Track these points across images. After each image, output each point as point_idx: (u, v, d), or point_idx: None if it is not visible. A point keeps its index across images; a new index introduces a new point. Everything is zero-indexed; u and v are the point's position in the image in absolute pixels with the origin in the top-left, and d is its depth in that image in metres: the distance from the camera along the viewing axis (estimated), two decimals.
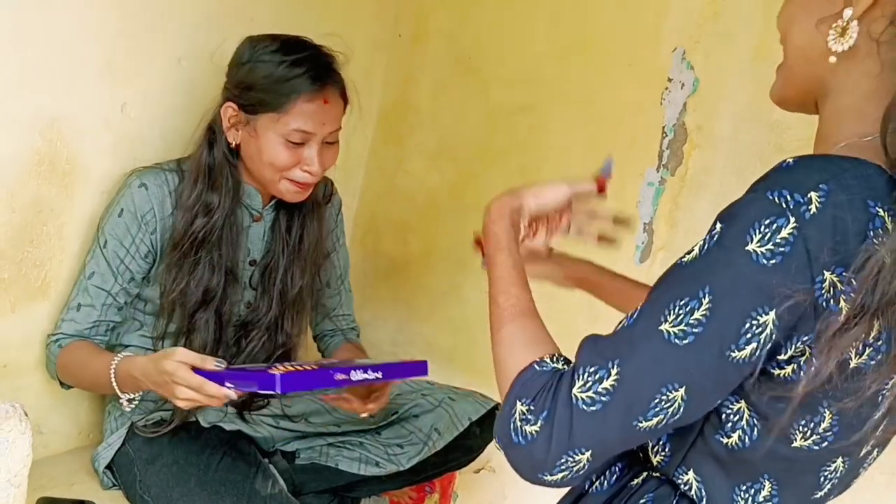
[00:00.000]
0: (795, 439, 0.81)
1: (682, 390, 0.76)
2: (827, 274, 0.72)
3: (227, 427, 1.51)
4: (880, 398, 0.79)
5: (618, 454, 0.87)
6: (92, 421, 1.70)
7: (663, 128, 1.96)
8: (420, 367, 1.50)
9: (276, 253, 1.64)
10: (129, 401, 1.42)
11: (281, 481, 1.44)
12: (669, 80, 1.95)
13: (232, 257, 1.56)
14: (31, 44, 1.41)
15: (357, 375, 1.34)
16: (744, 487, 0.86)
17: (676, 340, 0.76)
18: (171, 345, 1.53)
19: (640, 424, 0.78)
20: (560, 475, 0.80)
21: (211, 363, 1.27)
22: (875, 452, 0.93)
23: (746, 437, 0.82)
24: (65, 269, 1.57)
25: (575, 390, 0.79)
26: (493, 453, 2.19)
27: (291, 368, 1.30)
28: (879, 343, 0.74)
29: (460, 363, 2.27)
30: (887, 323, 0.72)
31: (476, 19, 2.21)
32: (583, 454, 0.79)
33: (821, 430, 0.80)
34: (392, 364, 1.47)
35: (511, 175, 2.17)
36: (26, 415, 1.11)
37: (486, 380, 2.18)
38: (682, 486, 0.89)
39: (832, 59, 0.80)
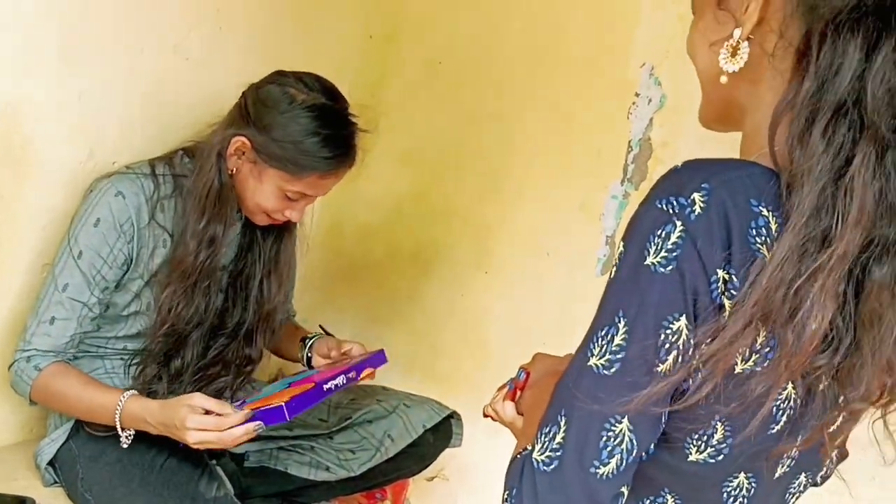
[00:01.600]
0: (691, 453, 0.80)
1: (625, 421, 0.75)
2: (720, 272, 0.71)
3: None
4: (774, 410, 0.77)
5: None
6: (36, 415, 1.66)
7: (629, 142, 1.97)
8: (380, 357, 1.61)
9: (251, 261, 1.62)
10: (127, 437, 1.40)
11: (228, 484, 1.41)
12: (637, 94, 1.95)
13: (219, 268, 1.55)
14: None
15: (340, 381, 1.44)
16: (647, 501, 0.85)
17: (605, 371, 0.75)
18: (154, 363, 1.52)
19: (599, 471, 0.76)
20: None
21: (227, 409, 1.31)
22: (803, 478, 0.91)
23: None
24: (15, 261, 1.53)
25: (535, 455, 0.78)
26: (447, 461, 2.18)
27: (286, 394, 1.37)
28: (767, 350, 0.73)
29: (419, 370, 2.26)
30: (772, 328, 0.71)
31: (448, 23, 2.20)
32: None
33: (714, 443, 0.79)
34: (359, 363, 1.55)
35: (478, 182, 2.17)
36: None
37: (445, 387, 2.18)
38: None
39: (723, 78, 0.81)
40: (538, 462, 0.77)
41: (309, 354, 1.69)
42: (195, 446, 1.31)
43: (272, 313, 1.66)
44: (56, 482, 1.50)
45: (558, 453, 0.76)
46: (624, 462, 0.76)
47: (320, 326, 1.78)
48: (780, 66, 0.77)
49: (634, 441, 0.76)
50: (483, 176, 2.15)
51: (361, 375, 1.54)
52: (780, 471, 0.86)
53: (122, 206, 1.42)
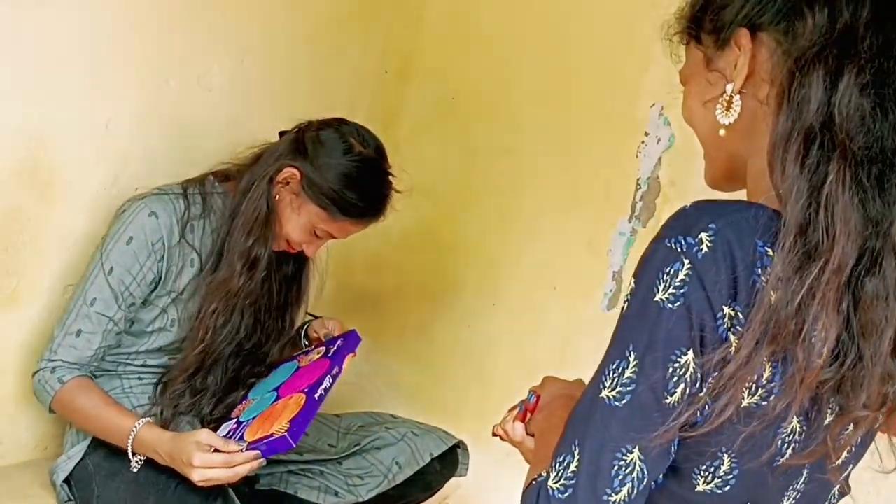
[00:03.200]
0: (698, 483, 0.82)
1: (636, 451, 0.77)
2: (726, 309, 0.74)
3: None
4: (780, 443, 0.80)
5: None
6: (50, 433, 1.68)
7: (637, 180, 2.01)
8: (354, 338, 1.66)
9: (269, 283, 1.66)
10: (137, 462, 1.44)
11: None
12: (646, 133, 2.00)
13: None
14: (22, 53, 1.43)
15: (328, 383, 1.49)
16: None
17: (616, 403, 0.77)
18: (184, 380, 1.56)
19: (611, 498, 0.78)
20: None
21: (234, 447, 1.36)
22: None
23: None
24: (38, 280, 1.57)
25: (550, 483, 0.80)
26: (451, 490, 2.19)
27: (280, 414, 1.42)
28: (772, 385, 0.76)
29: (424, 400, 2.28)
30: (782, 348, 0.73)
31: (462, 61, 2.26)
32: None
33: (721, 474, 0.81)
34: (336, 352, 1.61)
35: (487, 216, 2.21)
36: None
37: (448, 417, 2.20)
38: None
39: (722, 131, 0.85)
40: (553, 490, 0.80)
41: (306, 342, 1.77)
42: (199, 483, 1.35)
43: (288, 336, 1.72)
44: (70, 500, 1.52)
45: (572, 482, 0.79)
46: (636, 490, 0.78)
47: (307, 312, 1.84)
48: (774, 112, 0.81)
49: (645, 470, 0.78)
50: (492, 210, 2.20)
51: (344, 367, 1.58)
52: (786, 502, 0.88)
53: (155, 227, 1.47)
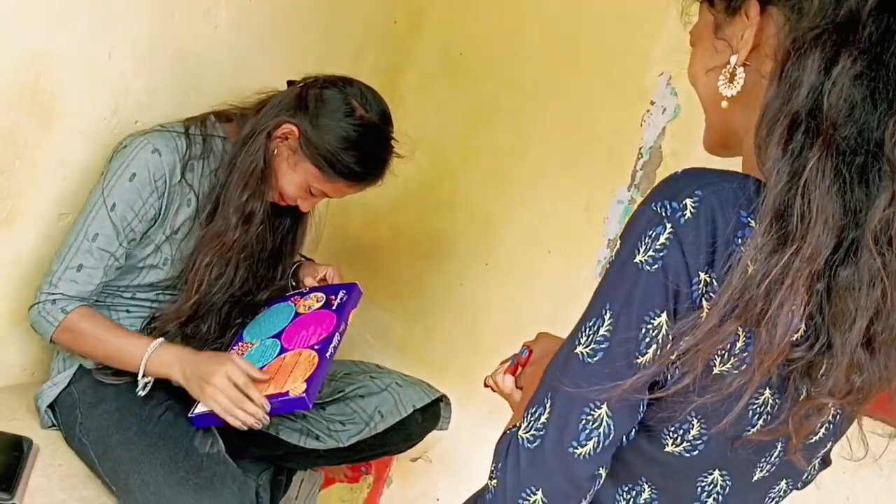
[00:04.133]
0: (667, 444, 0.84)
1: (604, 407, 0.80)
2: (702, 274, 0.75)
3: (175, 382, 1.52)
4: (751, 413, 0.81)
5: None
6: (38, 359, 1.70)
7: (640, 149, 2.00)
8: (357, 293, 1.67)
9: (264, 234, 1.66)
10: (146, 385, 1.46)
11: (220, 442, 1.45)
12: (652, 102, 1.98)
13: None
14: None
15: (336, 340, 1.50)
16: (626, 488, 0.88)
17: (589, 360, 0.79)
18: (176, 325, 1.57)
19: (577, 451, 0.80)
20: None
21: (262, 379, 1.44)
22: (784, 484, 0.94)
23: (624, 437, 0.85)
24: (33, 206, 1.57)
25: (520, 433, 0.83)
26: (431, 444, 2.22)
27: (293, 369, 1.44)
28: (745, 355, 0.77)
29: (412, 353, 2.29)
30: (750, 333, 0.75)
31: (472, 16, 2.23)
32: (535, 494, 0.81)
33: (690, 438, 0.83)
34: (340, 306, 1.60)
35: (486, 175, 2.20)
36: None
37: (436, 372, 2.22)
38: None
39: (724, 103, 0.85)
40: (523, 439, 0.82)
41: (293, 282, 1.77)
42: (210, 403, 1.39)
43: (279, 285, 1.73)
44: (54, 425, 1.53)
45: (541, 433, 0.81)
46: (601, 445, 0.80)
47: (301, 255, 1.84)
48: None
49: (612, 426, 0.80)
50: (491, 169, 2.19)
51: (350, 322, 1.60)
52: (758, 474, 0.89)
53: (158, 163, 1.47)
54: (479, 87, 2.21)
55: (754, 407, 0.81)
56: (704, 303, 0.75)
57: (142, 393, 1.45)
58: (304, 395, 1.37)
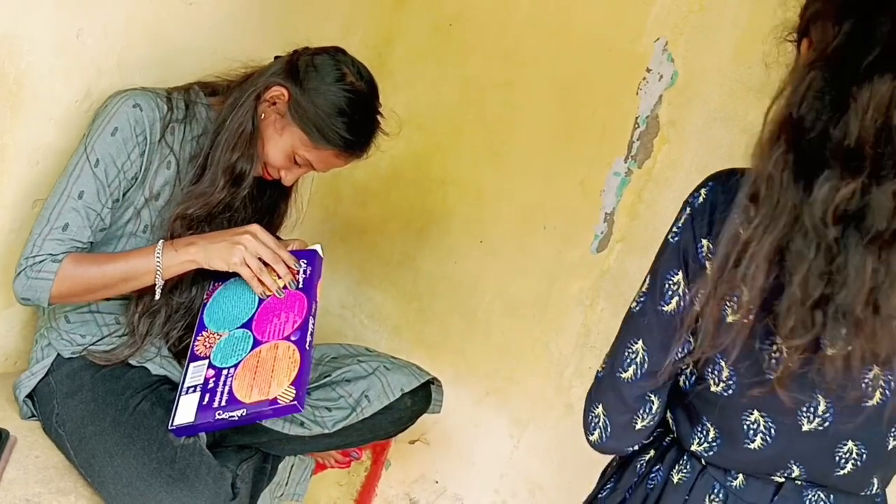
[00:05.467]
0: (711, 384, 1.05)
1: (640, 342, 1.08)
2: (704, 241, 1.02)
3: (154, 370, 1.49)
4: (768, 357, 0.99)
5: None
6: (20, 348, 1.67)
7: (636, 119, 1.93)
8: (316, 260, 1.58)
9: (244, 209, 1.62)
10: (160, 288, 1.45)
11: None
12: (648, 70, 1.92)
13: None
14: None
15: (311, 325, 1.45)
16: (698, 429, 1.09)
17: (634, 310, 1.11)
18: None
19: (622, 375, 1.09)
20: (594, 435, 1.14)
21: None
22: (853, 446, 1.03)
23: (686, 381, 1.10)
24: (4, 192, 1.53)
25: (598, 367, 1.15)
26: (429, 426, 2.18)
27: (284, 380, 1.36)
28: (752, 307, 0.95)
29: (407, 333, 2.26)
30: (748, 288, 0.93)
31: None
32: (597, 408, 1.13)
33: (724, 378, 1.03)
34: (306, 281, 1.53)
35: (478, 150, 2.14)
36: None
37: (430, 351, 2.18)
38: (672, 429, 1.15)
39: None
40: (598, 371, 1.15)
41: None
42: (239, 268, 1.44)
43: None
44: (34, 415, 1.51)
45: (605, 364, 1.13)
46: (639, 371, 1.08)
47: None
48: None
49: (647, 358, 1.08)
50: (484, 144, 2.13)
51: (319, 296, 1.54)
52: (807, 425, 1.02)
53: (139, 117, 1.45)
54: (470, 60, 2.15)
55: (768, 351, 0.98)
56: (707, 263, 1.00)
57: (158, 296, 1.46)
58: (295, 401, 1.32)
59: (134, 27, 1.61)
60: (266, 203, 1.68)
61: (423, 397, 1.71)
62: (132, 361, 1.49)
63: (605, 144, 1.97)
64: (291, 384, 1.34)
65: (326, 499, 2.22)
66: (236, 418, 1.33)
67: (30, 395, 1.51)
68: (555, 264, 2.04)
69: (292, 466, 1.77)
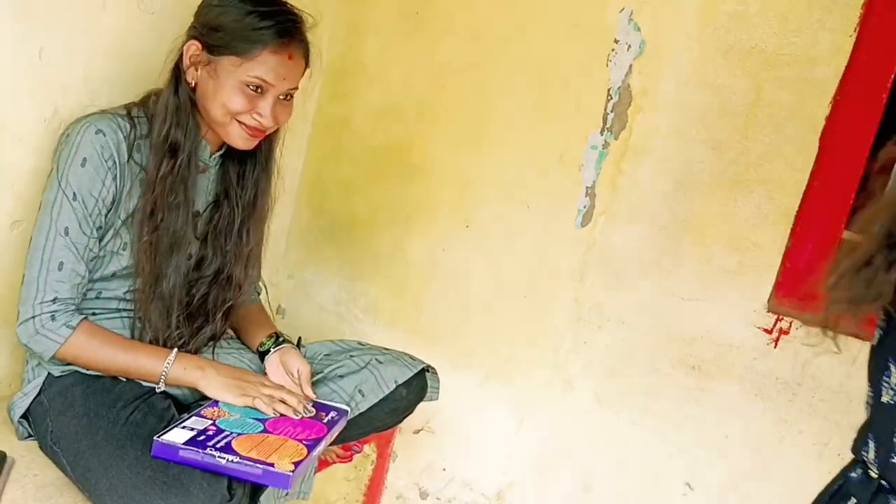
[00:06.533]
0: (882, 394, 1.02)
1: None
2: None
3: (144, 383, 1.49)
4: None
5: None
6: (13, 370, 1.68)
7: (608, 90, 1.93)
8: (345, 416, 1.60)
9: (227, 208, 1.63)
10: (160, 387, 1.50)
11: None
12: (616, 41, 1.91)
13: (194, 200, 1.57)
14: None
15: (323, 446, 1.48)
16: (869, 440, 1.05)
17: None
18: (141, 290, 1.54)
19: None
20: None
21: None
22: None
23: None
24: None
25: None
26: (433, 414, 2.19)
27: (286, 458, 1.36)
28: None
29: (403, 323, 2.26)
30: None
31: None
32: (869, 443, 1.06)
33: (893, 384, 1.00)
34: (331, 423, 1.55)
35: (456, 135, 2.14)
36: None
37: (428, 340, 2.19)
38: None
39: None
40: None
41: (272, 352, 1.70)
42: (263, 404, 1.50)
43: (251, 256, 1.69)
44: (31, 436, 1.51)
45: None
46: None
47: (300, 339, 1.77)
48: None
49: None
50: (461, 128, 2.13)
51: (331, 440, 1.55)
52: None
53: (105, 142, 1.44)
54: (440, 44, 2.15)
55: None
56: None
57: (160, 389, 1.50)
58: (291, 473, 1.30)
59: (96, 41, 1.61)
60: (249, 196, 1.67)
61: (418, 386, 1.71)
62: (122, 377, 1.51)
63: (580, 119, 1.97)
64: (293, 463, 1.33)
65: (336, 495, 2.23)
66: (224, 462, 1.30)
67: (24, 416, 1.52)
68: (541, 242, 2.04)
69: None
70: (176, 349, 1.50)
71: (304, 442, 1.43)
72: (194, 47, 1.49)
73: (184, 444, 1.32)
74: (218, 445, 1.34)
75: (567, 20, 1.96)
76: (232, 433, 1.40)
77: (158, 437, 1.33)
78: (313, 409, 1.55)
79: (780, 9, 1.72)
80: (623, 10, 1.90)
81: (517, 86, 2.04)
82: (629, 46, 1.90)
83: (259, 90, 1.50)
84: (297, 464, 1.33)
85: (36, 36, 1.51)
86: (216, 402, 1.51)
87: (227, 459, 1.31)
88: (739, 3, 1.77)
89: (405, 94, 2.20)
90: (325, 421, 1.54)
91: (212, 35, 1.48)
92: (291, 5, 1.55)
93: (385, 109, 2.25)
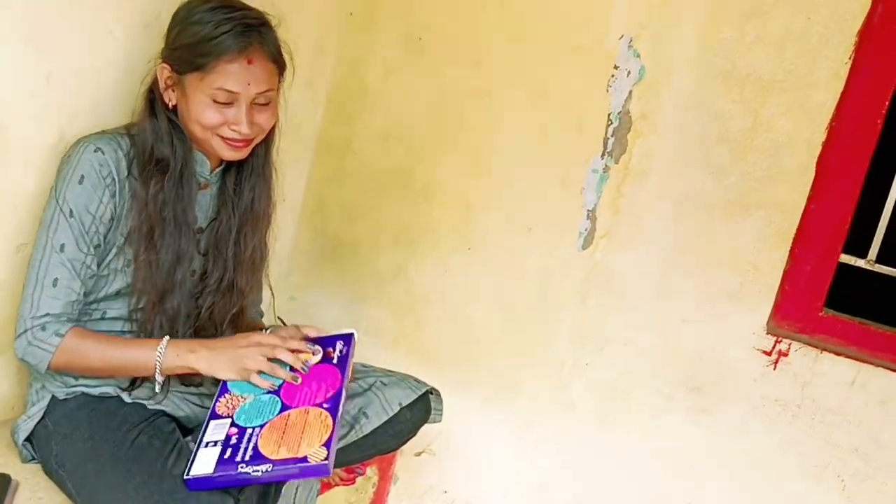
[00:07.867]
0: None
1: None
2: None
3: (149, 405, 1.50)
4: None
5: None
6: (17, 393, 1.68)
7: (609, 115, 1.95)
8: (352, 341, 1.63)
9: (224, 217, 1.65)
10: (159, 384, 1.49)
11: None
12: (616, 67, 1.94)
13: (192, 215, 1.58)
14: None
15: (343, 398, 1.47)
16: None
17: None
18: (145, 307, 1.55)
19: None
20: None
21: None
22: None
23: None
24: None
25: None
26: (434, 436, 2.19)
27: (315, 441, 1.36)
28: None
29: (405, 346, 2.27)
30: None
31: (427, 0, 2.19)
32: None
33: None
34: (341, 358, 1.57)
35: (459, 159, 2.16)
36: None
37: (430, 362, 2.19)
38: None
39: None
40: None
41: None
42: (249, 376, 1.48)
43: (251, 258, 1.70)
44: (34, 459, 1.52)
45: None
46: None
47: (279, 318, 1.80)
48: None
49: None
50: (464, 152, 2.15)
51: (350, 374, 1.55)
52: None
53: (103, 160, 1.46)
54: (443, 70, 2.17)
55: None
56: None
57: (158, 389, 1.49)
58: (326, 461, 1.30)
59: (104, 67, 1.63)
60: (245, 202, 1.68)
61: (422, 409, 1.72)
62: (126, 399, 1.51)
63: (581, 142, 1.99)
64: (323, 445, 1.33)
65: None
66: (260, 474, 1.31)
67: (28, 439, 1.52)
68: (543, 264, 2.06)
69: (297, 488, 1.77)
70: (167, 336, 1.49)
71: (324, 406, 1.42)
72: (166, 70, 1.51)
73: (214, 471, 1.32)
74: (247, 457, 1.34)
75: (568, 46, 1.98)
76: (254, 429, 1.39)
77: (187, 474, 1.33)
78: (309, 363, 1.51)
79: (777, 36, 1.75)
80: (623, 36, 1.92)
81: (519, 110, 2.06)
82: (629, 72, 1.92)
83: (228, 101, 1.50)
84: (327, 443, 1.33)
85: (44, 61, 1.53)
86: (224, 387, 1.51)
87: (262, 471, 1.32)
88: (737, 31, 1.79)
89: (408, 118, 2.23)
90: (334, 361, 1.53)
91: (174, 55, 1.50)
92: (250, 9, 1.54)
93: (388, 133, 2.27)
